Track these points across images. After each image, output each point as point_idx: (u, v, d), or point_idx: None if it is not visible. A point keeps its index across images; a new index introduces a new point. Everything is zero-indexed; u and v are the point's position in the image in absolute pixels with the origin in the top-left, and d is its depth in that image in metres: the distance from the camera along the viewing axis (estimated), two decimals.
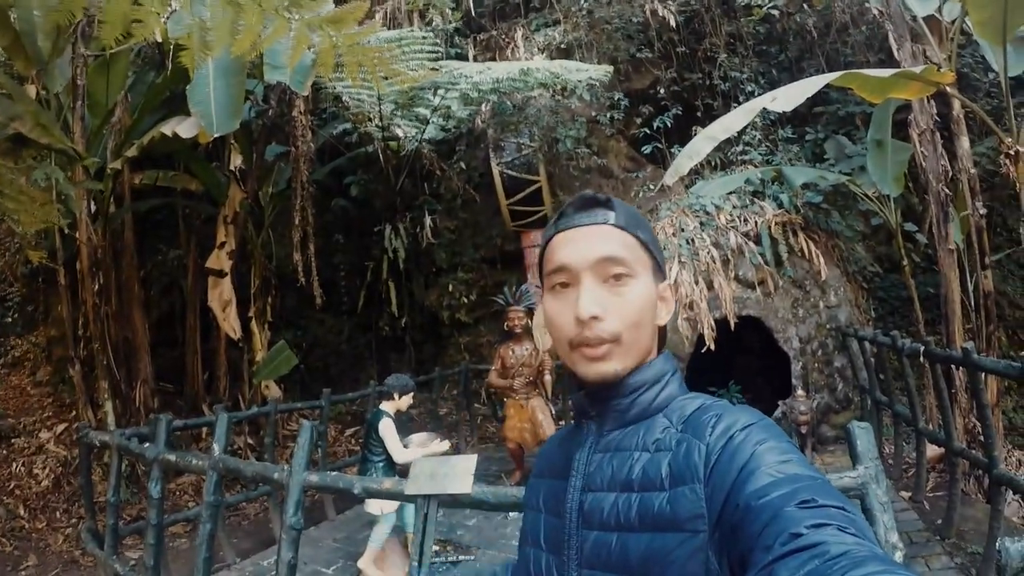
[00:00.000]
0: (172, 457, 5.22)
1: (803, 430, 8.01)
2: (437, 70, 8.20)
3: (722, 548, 0.89)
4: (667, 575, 0.92)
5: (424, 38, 8.22)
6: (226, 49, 6.05)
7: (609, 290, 1.06)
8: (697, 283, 8.51)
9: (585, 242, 1.08)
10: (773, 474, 0.87)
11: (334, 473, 4.28)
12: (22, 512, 8.01)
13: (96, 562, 6.57)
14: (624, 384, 1.08)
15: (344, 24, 5.56)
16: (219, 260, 9.39)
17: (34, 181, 6.78)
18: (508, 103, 10.50)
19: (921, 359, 6.59)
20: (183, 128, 7.03)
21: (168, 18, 7.27)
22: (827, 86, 6.86)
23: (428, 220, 11.01)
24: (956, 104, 7.70)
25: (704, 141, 5.52)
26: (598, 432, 1.11)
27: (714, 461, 0.94)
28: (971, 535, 5.57)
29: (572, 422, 1.21)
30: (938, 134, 7.77)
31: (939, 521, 5.90)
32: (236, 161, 9.66)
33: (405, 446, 5.91)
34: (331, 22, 5.51)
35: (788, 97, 5.63)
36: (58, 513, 8.12)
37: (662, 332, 1.17)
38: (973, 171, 7.59)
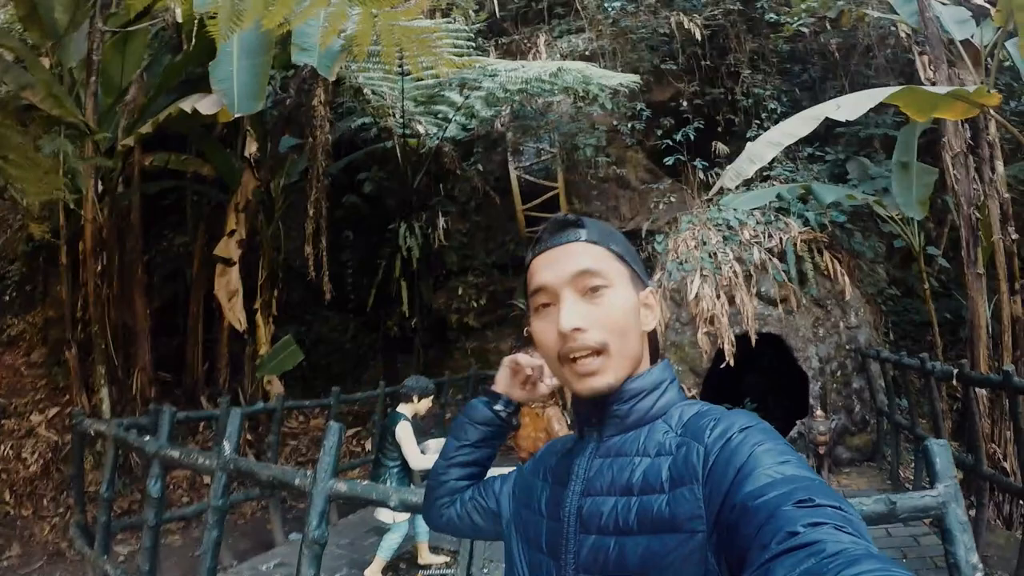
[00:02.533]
0: (175, 454, 4.56)
1: (821, 450, 7.55)
2: (475, 61, 7.63)
3: (720, 548, 0.87)
4: None
5: (457, 31, 7.64)
6: (256, 22, 5.49)
7: (589, 302, 1.06)
8: (719, 298, 7.99)
9: (561, 260, 1.09)
10: (771, 475, 0.84)
11: (364, 482, 3.67)
12: (7, 498, 7.32)
13: (83, 558, 5.90)
14: (622, 391, 1.07)
15: (386, 1, 5.00)
16: (228, 248, 8.73)
17: (41, 153, 6.14)
18: (529, 108, 9.97)
19: (954, 382, 6.35)
20: (203, 104, 6.41)
21: None
22: None
23: (441, 221, 10.38)
24: (992, 127, 7.32)
25: (765, 146, 5.08)
26: (599, 438, 1.10)
27: (712, 462, 0.93)
28: (995, 560, 5.31)
29: (576, 431, 1.20)
30: (971, 157, 7.39)
31: None
32: (251, 148, 8.99)
33: (422, 452, 5.33)
34: None
35: (851, 106, 5.30)
36: (45, 501, 7.43)
37: (653, 339, 1.16)
38: (1007, 195, 7.22)
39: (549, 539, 1.09)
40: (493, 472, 1.47)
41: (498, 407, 1.38)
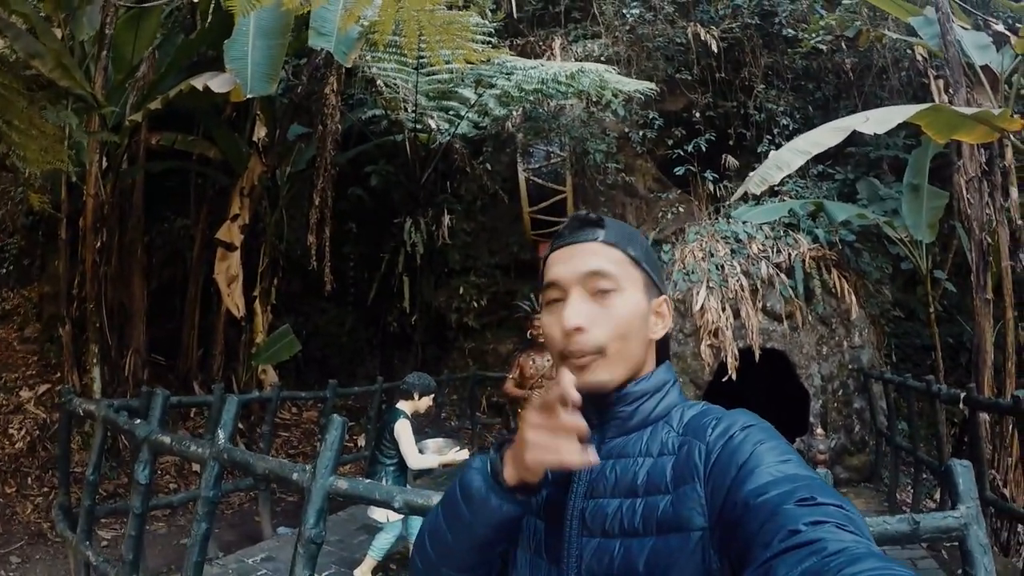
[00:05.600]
0: (167, 439, 4.26)
1: (819, 469, 7.35)
2: (499, 54, 7.38)
3: (723, 546, 0.86)
4: None
5: (479, 24, 7.37)
6: (277, 1, 5.24)
7: (596, 303, 1.04)
8: (724, 310, 7.75)
9: (575, 258, 1.07)
10: (772, 473, 0.84)
11: (367, 481, 3.40)
12: None
13: (65, 541, 5.60)
14: (626, 394, 1.05)
15: None
16: (230, 232, 8.42)
17: (46, 121, 5.86)
18: (542, 109, 9.74)
19: (961, 406, 6.20)
20: (216, 83, 6.12)
21: None
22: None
23: (447, 219, 10.10)
24: (1009, 153, 7.17)
25: (793, 154, 4.88)
26: (600, 440, 1.04)
27: (714, 460, 0.92)
28: None
29: None
30: (985, 182, 7.22)
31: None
32: (260, 133, 8.71)
33: (420, 451, 5.04)
34: None
35: (879, 120, 5.11)
36: (29, 479, 7.09)
37: (662, 346, 1.13)
38: (1021, 222, 7.05)
39: (549, 543, 1.04)
40: None
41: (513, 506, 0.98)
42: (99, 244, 7.33)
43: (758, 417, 0.98)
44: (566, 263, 1.07)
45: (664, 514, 0.92)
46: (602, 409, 1.06)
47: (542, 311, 1.12)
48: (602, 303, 1.04)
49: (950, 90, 7.24)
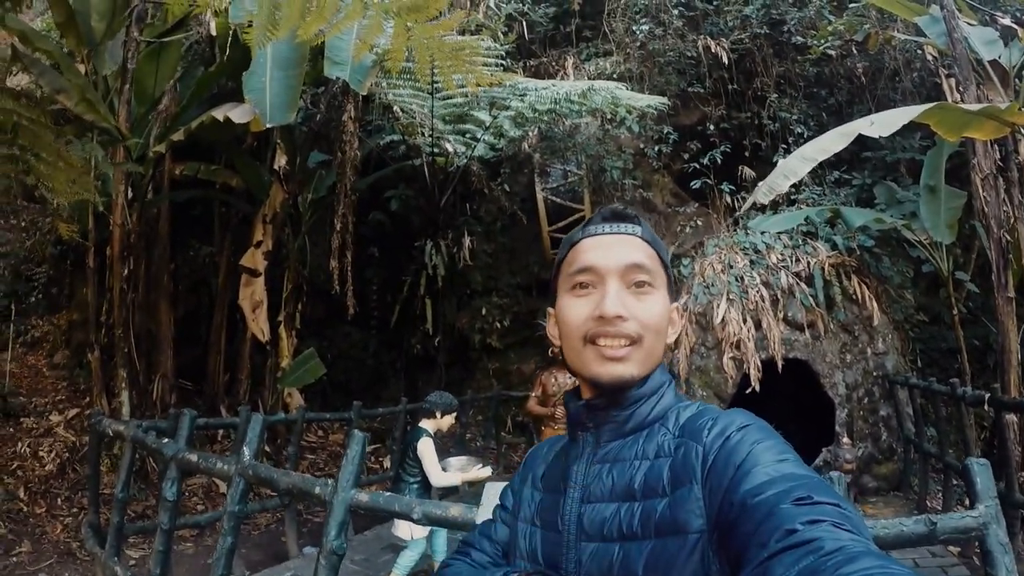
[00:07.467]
0: (193, 457, 4.36)
1: (847, 479, 7.24)
2: (510, 76, 7.49)
3: (720, 546, 0.85)
4: None
5: (490, 48, 7.49)
6: (292, 31, 5.39)
7: (632, 295, 1.04)
8: (745, 322, 7.72)
9: (616, 247, 1.06)
10: (769, 473, 0.83)
11: (387, 494, 3.45)
12: (22, 495, 7.13)
13: (94, 558, 5.71)
14: (624, 396, 1.04)
15: (424, 12, 4.85)
16: (254, 259, 8.62)
17: (72, 154, 6.07)
18: (557, 129, 9.86)
19: (986, 407, 6.20)
20: (236, 114, 6.30)
21: (229, 3, 6.62)
22: None
23: (467, 241, 10.20)
24: (1023, 148, 7.10)
25: (800, 162, 4.90)
26: (595, 444, 1.06)
27: (711, 461, 0.91)
28: None
29: (568, 434, 1.15)
30: (1001, 179, 7.15)
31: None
32: (281, 162, 8.92)
33: (444, 469, 5.07)
34: (410, 9, 4.81)
35: (885, 123, 5.10)
36: (59, 500, 7.25)
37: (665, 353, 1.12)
38: None
39: (546, 549, 1.04)
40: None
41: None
42: (126, 272, 7.51)
43: (754, 416, 0.98)
44: (605, 251, 1.06)
45: (662, 517, 0.92)
46: (597, 412, 1.05)
47: (563, 295, 1.10)
48: (639, 296, 1.04)
49: (960, 88, 7.20)
